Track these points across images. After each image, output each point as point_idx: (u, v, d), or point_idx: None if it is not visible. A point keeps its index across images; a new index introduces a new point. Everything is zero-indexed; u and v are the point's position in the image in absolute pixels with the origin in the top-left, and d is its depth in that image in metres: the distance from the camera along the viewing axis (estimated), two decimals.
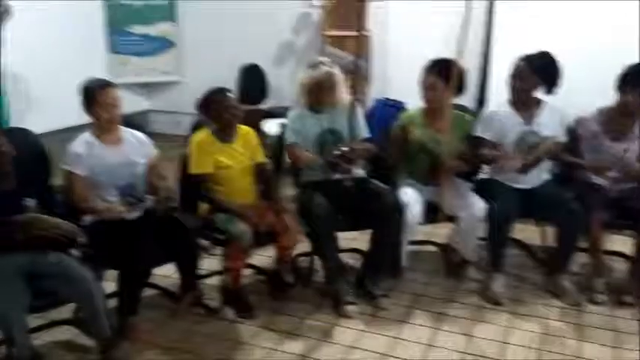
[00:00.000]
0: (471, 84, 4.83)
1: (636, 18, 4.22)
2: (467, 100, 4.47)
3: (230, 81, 4.58)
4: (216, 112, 2.92)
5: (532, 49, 3.18)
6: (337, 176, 3.09)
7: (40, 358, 2.38)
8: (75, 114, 5.36)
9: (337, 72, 3.15)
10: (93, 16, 5.87)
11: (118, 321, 2.60)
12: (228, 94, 2.96)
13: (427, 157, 3.17)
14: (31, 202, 2.43)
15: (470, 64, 4.66)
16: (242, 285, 3.03)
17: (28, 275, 2.31)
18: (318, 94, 3.11)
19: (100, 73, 5.99)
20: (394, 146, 3.25)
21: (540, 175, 3.26)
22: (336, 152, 3.02)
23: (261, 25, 5.75)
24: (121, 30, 6.07)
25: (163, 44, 6.32)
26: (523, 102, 3.20)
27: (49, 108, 4.99)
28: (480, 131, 3.22)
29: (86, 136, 2.74)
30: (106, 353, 2.44)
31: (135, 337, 2.67)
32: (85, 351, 2.63)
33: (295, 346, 2.69)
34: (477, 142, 3.20)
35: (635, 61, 3.19)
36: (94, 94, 2.67)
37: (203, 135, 2.98)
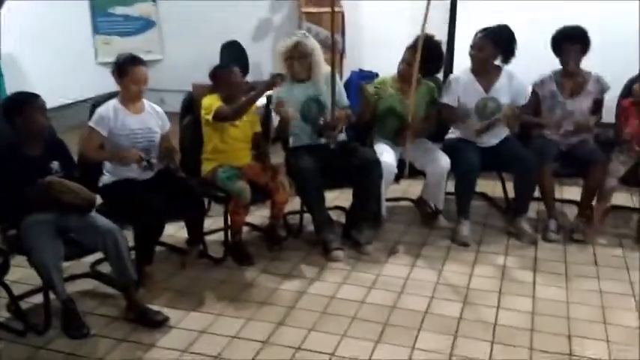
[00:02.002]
0: None
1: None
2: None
3: (210, 58, 4.86)
4: (225, 85, 3.26)
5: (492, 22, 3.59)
6: (322, 141, 3.46)
7: (72, 301, 2.73)
8: (66, 91, 5.64)
9: (309, 42, 3.45)
10: None
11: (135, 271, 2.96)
12: (235, 69, 3.31)
13: (396, 119, 3.56)
14: (55, 165, 2.76)
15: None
16: (242, 238, 3.42)
17: (59, 228, 2.66)
18: (290, 62, 3.42)
19: (86, 54, 6.31)
20: (365, 107, 3.60)
21: (500, 134, 3.69)
22: (321, 121, 3.40)
23: (239, 2, 6.03)
24: (104, 11, 6.30)
25: (144, 24, 6.57)
26: (483, 70, 3.60)
27: (41, 87, 5.20)
28: (445, 98, 3.63)
29: (114, 102, 3.08)
30: (130, 298, 2.80)
31: (151, 284, 3.05)
32: (106, 297, 3.00)
33: (292, 285, 3.09)
34: (442, 106, 3.62)
35: None
36: (126, 69, 3.01)
37: (212, 97, 3.30)
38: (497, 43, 3.53)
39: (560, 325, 2.70)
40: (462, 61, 4.88)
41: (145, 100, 3.18)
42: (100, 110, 3.04)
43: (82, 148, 3.02)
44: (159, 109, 3.25)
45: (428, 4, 3.24)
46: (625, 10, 4.71)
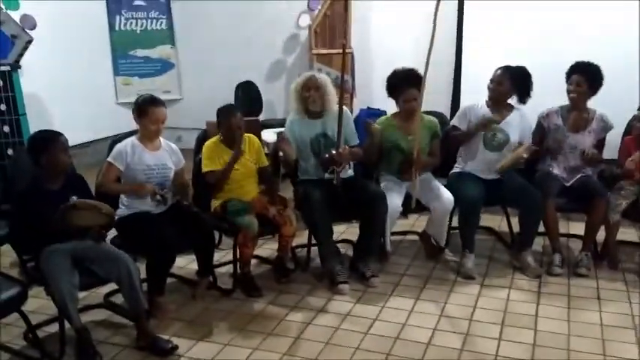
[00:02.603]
0: (445, 90, 5.49)
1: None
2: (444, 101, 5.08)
3: (226, 97, 5.07)
4: (224, 126, 3.43)
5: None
6: (327, 176, 3.58)
7: (86, 330, 2.84)
8: (87, 131, 5.87)
9: (322, 76, 3.63)
10: (100, 41, 6.40)
11: (147, 301, 3.07)
12: (236, 112, 3.47)
13: (401, 155, 3.68)
14: (74, 199, 2.90)
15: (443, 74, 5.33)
16: (250, 270, 3.52)
17: (75, 259, 2.79)
18: (306, 96, 3.57)
19: (107, 94, 6.58)
20: (372, 144, 3.71)
21: None
22: (326, 155, 3.53)
23: (254, 46, 6.30)
24: (125, 54, 6.59)
25: (163, 66, 6.85)
26: (498, 104, 3.73)
27: (63, 126, 5.45)
28: (456, 121, 3.75)
29: (132, 139, 3.27)
30: (141, 327, 2.91)
31: (162, 315, 3.16)
32: (119, 327, 3.11)
33: (299, 316, 3.17)
34: (451, 129, 3.75)
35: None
36: (146, 109, 3.20)
37: (213, 142, 3.49)
38: (515, 80, 3.68)
39: (560, 356, 2.74)
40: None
41: (161, 138, 3.35)
42: (119, 146, 3.22)
43: (99, 181, 3.18)
44: (174, 146, 3.42)
45: (433, 33, 3.35)
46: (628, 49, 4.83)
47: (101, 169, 3.25)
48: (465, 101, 5.08)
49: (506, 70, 3.67)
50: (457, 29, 5.47)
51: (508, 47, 4.89)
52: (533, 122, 3.83)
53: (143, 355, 2.83)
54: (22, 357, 2.84)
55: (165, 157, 3.32)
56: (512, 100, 3.77)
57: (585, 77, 3.64)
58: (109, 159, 3.21)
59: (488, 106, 3.74)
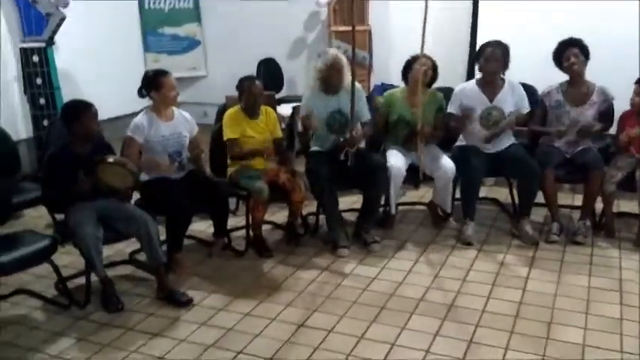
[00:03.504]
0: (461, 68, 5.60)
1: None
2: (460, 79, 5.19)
3: (249, 74, 5.27)
4: (246, 94, 3.66)
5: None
6: (342, 157, 3.73)
7: (109, 280, 3.15)
8: (118, 105, 6.16)
9: (343, 56, 3.80)
10: (130, 19, 6.69)
11: (167, 257, 3.36)
12: (257, 81, 3.71)
13: (406, 127, 3.87)
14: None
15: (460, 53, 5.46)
16: (262, 233, 3.78)
17: (100, 215, 3.10)
18: (329, 76, 3.75)
19: (137, 70, 6.87)
20: (378, 117, 3.94)
21: (506, 141, 3.93)
22: (341, 139, 3.72)
23: (275, 23, 6.50)
24: (154, 31, 6.87)
25: (190, 43, 7.12)
26: (491, 81, 3.86)
27: (96, 100, 5.79)
28: (451, 108, 3.92)
29: (147, 111, 3.52)
30: (160, 279, 3.20)
31: (181, 269, 3.45)
32: (142, 280, 3.42)
33: (304, 274, 3.43)
34: (447, 116, 3.91)
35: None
36: (160, 81, 3.45)
37: (234, 110, 3.73)
38: (504, 55, 3.81)
39: (543, 313, 2.92)
40: None
41: (174, 108, 3.60)
42: (135, 120, 3.47)
43: (124, 155, 3.41)
44: (187, 115, 3.67)
45: (425, 12, 3.51)
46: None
47: (124, 144, 3.50)
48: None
49: (497, 45, 3.80)
50: (473, 8, 5.56)
51: (521, 24, 5.00)
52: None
53: (161, 304, 3.13)
54: (53, 304, 3.17)
55: (180, 126, 3.57)
56: None
57: (578, 49, 3.76)
58: (128, 133, 3.45)
59: (479, 85, 3.88)
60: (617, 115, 3.91)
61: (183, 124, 3.60)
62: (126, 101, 6.28)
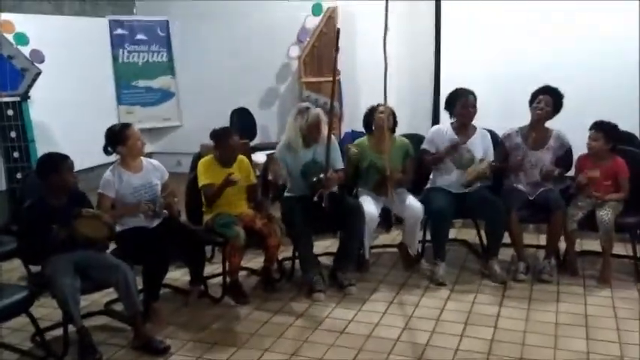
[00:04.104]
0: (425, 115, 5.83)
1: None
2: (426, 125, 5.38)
3: (222, 123, 5.38)
4: (223, 147, 3.77)
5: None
6: (316, 199, 3.82)
7: (87, 330, 3.14)
8: (92, 156, 6.17)
9: (322, 113, 3.98)
10: (104, 73, 6.82)
11: (143, 307, 3.38)
12: (234, 134, 3.82)
13: (376, 173, 4.02)
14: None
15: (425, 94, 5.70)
16: (238, 279, 3.83)
17: (77, 266, 3.12)
18: (310, 132, 3.91)
19: (111, 122, 6.94)
20: (349, 165, 4.10)
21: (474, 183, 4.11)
22: (314, 179, 3.86)
23: (248, 76, 6.71)
24: (128, 84, 7.00)
25: (164, 95, 7.25)
26: (465, 127, 4.07)
27: (70, 152, 5.82)
28: (426, 145, 4.11)
29: (115, 167, 3.58)
30: (137, 328, 3.21)
31: (157, 319, 3.46)
32: (118, 330, 3.42)
33: (283, 320, 3.47)
34: (422, 152, 4.10)
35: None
36: (125, 134, 3.53)
37: (207, 159, 3.83)
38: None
39: (514, 350, 3.02)
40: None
41: (142, 158, 3.67)
42: (105, 176, 3.52)
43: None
44: (155, 162, 3.76)
45: (385, 63, 3.67)
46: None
47: (98, 201, 3.52)
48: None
49: (472, 93, 4.04)
50: (435, 63, 5.85)
51: (483, 68, 5.28)
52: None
53: (139, 353, 3.13)
54: (30, 356, 3.14)
55: (150, 175, 3.63)
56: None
57: (553, 99, 3.99)
58: (99, 190, 3.50)
59: (453, 129, 4.08)
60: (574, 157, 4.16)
61: (152, 172, 3.67)
62: (99, 152, 6.36)
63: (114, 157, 3.66)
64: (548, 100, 4.00)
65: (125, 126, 3.61)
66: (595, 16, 5.07)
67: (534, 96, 4.08)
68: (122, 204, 3.51)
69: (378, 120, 4.00)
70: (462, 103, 4.03)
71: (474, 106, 4.03)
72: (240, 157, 3.93)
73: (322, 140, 3.92)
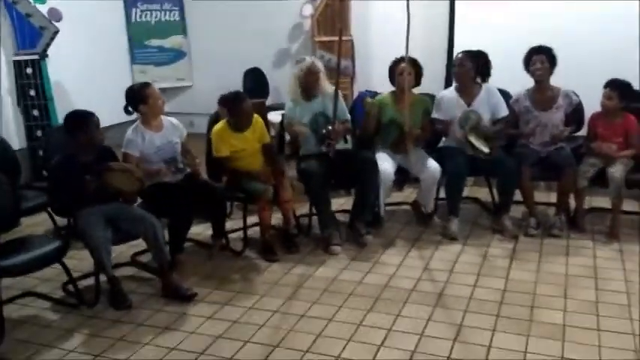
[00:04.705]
0: (439, 77, 5.86)
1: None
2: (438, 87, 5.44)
3: (234, 84, 5.46)
4: (238, 113, 3.80)
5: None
6: (324, 149, 3.99)
7: (117, 279, 3.30)
8: (105, 115, 6.29)
9: (319, 63, 4.07)
10: (118, 32, 6.85)
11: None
12: (244, 97, 3.84)
13: (396, 129, 4.10)
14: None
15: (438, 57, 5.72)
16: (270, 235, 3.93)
17: (108, 218, 3.25)
18: (307, 82, 4.00)
19: (124, 81, 7.02)
20: (371, 119, 4.16)
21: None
22: (323, 131, 3.96)
23: (260, 35, 6.71)
24: (141, 43, 7.03)
25: (176, 54, 7.27)
26: (464, 86, 4.13)
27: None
28: (434, 113, 4.18)
29: (136, 125, 3.67)
30: (165, 277, 3.36)
31: (182, 270, 3.60)
32: (145, 280, 3.58)
33: (302, 271, 3.62)
34: (432, 120, 4.16)
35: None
36: (145, 93, 3.60)
37: (221, 127, 3.88)
38: (475, 60, 4.08)
39: (526, 299, 3.16)
40: None
41: (162, 116, 3.75)
42: (127, 136, 3.60)
43: None
44: (174, 120, 3.84)
45: (408, 19, 3.73)
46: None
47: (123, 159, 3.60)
48: None
49: (466, 53, 4.09)
50: (449, 17, 5.84)
51: (498, 33, 5.29)
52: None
53: (167, 300, 3.29)
54: (62, 304, 3.31)
55: (170, 133, 3.72)
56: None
57: (545, 56, 4.03)
58: (123, 150, 3.58)
59: (457, 90, 4.15)
60: (587, 115, 4.22)
61: (172, 131, 3.75)
62: (114, 112, 6.45)
63: (129, 117, 3.73)
64: (542, 58, 4.04)
65: (145, 85, 3.68)
66: None
67: (527, 61, 4.11)
68: (146, 162, 3.60)
69: (398, 79, 4.06)
70: (454, 63, 4.14)
71: (462, 64, 4.07)
72: (255, 116, 3.95)
73: (326, 93, 4.02)
